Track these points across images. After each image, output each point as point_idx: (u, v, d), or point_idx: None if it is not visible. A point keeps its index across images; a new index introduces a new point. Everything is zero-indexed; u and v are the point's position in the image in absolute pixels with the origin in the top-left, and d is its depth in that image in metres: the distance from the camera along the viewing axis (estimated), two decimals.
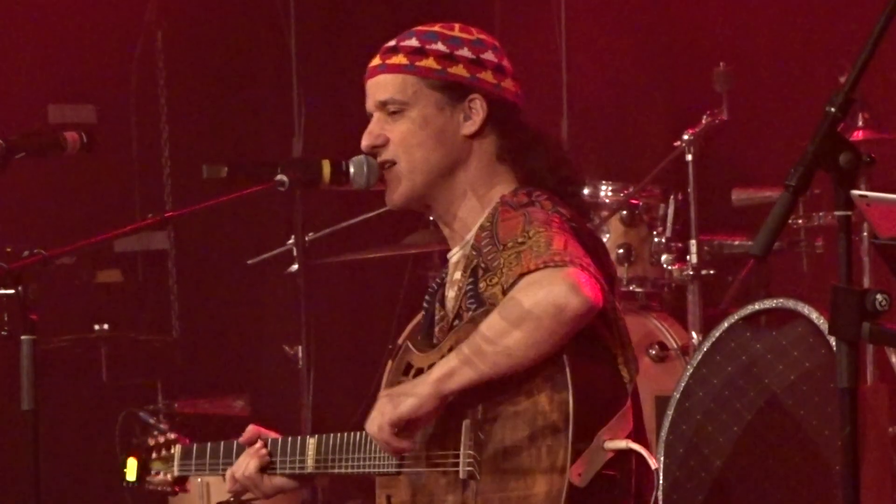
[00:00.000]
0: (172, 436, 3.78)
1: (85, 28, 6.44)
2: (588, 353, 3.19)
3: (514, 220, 3.18)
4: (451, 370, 3.20)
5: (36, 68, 6.37)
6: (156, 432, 3.93)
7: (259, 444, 3.57)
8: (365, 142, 3.27)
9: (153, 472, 3.78)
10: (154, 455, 3.80)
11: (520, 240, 3.15)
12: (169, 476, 3.74)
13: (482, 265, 3.24)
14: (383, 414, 3.18)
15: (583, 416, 3.07)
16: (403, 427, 3.20)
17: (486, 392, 3.23)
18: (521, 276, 3.17)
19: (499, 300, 3.20)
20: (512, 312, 3.22)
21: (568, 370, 3.11)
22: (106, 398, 6.05)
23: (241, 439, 3.59)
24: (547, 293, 3.16)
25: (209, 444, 3.72)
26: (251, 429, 3.58)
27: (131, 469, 3.80)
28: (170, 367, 6.31)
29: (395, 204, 3.30)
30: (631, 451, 3.10)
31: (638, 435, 3.18)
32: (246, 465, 3.58)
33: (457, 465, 3.22)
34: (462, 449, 3.21)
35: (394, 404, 3.24)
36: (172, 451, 3.76)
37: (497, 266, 3.19)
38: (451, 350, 3.25)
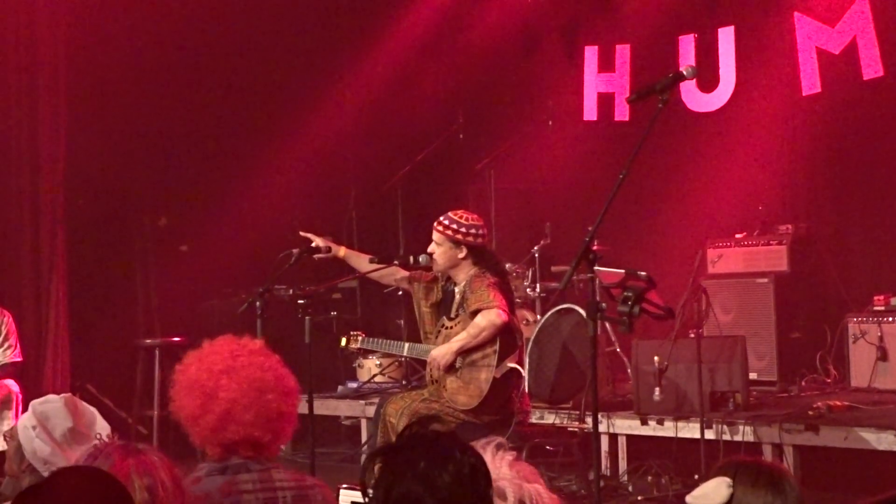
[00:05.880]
0: (358, 332, 5.75)
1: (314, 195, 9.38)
2: (507, 331, 5.44)
3: (479, 283, 5.49)
4: (459, 343, 5.43)
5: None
6: (351, 331, 5.74)
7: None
8: (428, 251, 5.62)
9: (351, 346, 5.73)
10: (349, 338, 5.77)
11: (479, 291, 5.41)
12: (357, 347, 5.75)
13: (466, 295, 5.60)
14: (441, 356, 5.45)
15: (501, 353, 5.46)
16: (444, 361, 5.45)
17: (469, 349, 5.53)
18: (480, 308, 5.44)
19: (470, 308, 5.45)
20: (479, 324, 5.44)
21: (498, 339, 5.45)
22: (335, 333, 7.93)
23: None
24: (490, 318, 5.42)
25: (375, 338, 5.87)
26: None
27: (343, 343, 5.72)
28: (358, 326, 7.10)
29: (436, 272, 5.69)
30: (516, 368, 5.47)
31: (521, 360, 5.54)
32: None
33: (456, 361, 5.57)
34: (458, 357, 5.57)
35: (443, 353, 5.51)
36: (360, 337, 5.84)
37: (470, 297, 5.53)
38: (458, 323, 5.51)
